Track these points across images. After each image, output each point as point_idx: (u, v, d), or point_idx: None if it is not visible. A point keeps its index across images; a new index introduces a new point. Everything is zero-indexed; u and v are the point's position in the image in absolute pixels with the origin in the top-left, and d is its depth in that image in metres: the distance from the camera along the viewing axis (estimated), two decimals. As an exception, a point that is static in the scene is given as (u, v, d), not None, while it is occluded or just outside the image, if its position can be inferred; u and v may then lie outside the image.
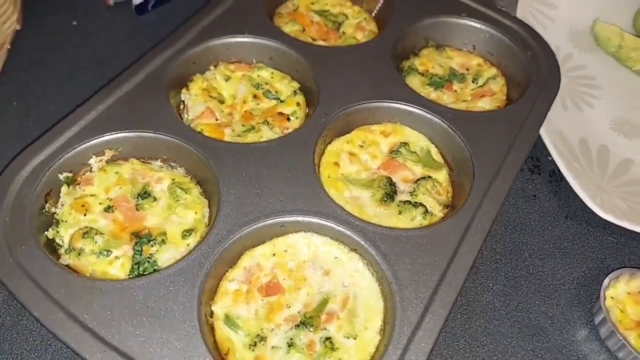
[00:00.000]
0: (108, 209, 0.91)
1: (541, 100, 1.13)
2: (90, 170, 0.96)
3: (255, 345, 0.80)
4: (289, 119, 1.09)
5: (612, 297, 0.96)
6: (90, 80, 1.27)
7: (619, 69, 1.43)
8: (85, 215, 0.89)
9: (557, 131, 1.21)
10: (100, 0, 1.46)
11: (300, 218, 0.90)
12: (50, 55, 1.34)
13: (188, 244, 0.88)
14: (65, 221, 0.88)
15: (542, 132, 1.18)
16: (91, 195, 0.92)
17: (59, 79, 1.29)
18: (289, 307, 0.85)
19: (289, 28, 1.27)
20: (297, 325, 0.83)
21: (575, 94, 1.34)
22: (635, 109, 1.35)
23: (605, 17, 1.50)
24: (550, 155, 1.16)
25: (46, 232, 0.87)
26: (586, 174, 1.15)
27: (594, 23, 1.48)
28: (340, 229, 0.89)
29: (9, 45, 1.30)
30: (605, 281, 0.96)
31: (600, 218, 1.07)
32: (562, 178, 1.13)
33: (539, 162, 1.24)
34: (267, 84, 1.15)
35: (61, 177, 0.92)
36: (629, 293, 0.97)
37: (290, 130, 1.07)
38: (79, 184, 0.93)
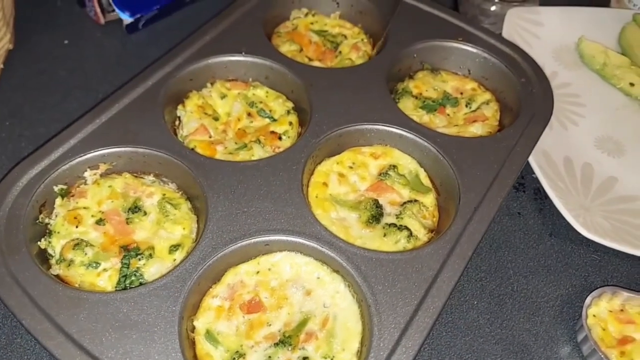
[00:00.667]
0: (100, 221, 0.94)
1: (531, 128, 1.14)
2: (85, 183, 0.99)
3: (234, 360, 0.83)
4: (280, 138, 1.11)
5: (594, 315, 0.97)
6: (81, 99, 1.30)
7: (604, 86, 1.44)
8: (77, 227, 0.92)
9: (542, 150, 1.23)
10: (91, 19, 1.48)
11: (284, 237, 0.92)
12: (43, 75, 1.35)
13: (175, 259, 0.91)
14: (58, 232, 0.91)
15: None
16: (84, 207, 0.95)
17: (51, 98, 1.31)
18: (270, 325, 0.87)
19: (287, 48, 1.29)
20: (276, 344, 0.85)
21: (560, 112, 1.36)
22: (619, 126, 1.36)
23: (590, 34, 1.51)
24: (535, 173, 1.18)
25: (39, 242, 0.90)
26: (570, 192, 1.17)
27: (579, 40, 1.50)
28: (324, 249, 0.91)
29: (2, 64, 1.32)
30: (588, 299, 0.97)
31: (584, 236, 1.08)
32: (546, 196, 1.15)
33: (524, 180, 1.26)
34: (261, 102, 1.18)
35: (56, 189, 0.95)
36: (610, 311, 0.98)
37: (281, 149, 1.09)
38: (73, 196, 0.96)
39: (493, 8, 1.50)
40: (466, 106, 1.27)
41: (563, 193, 1.15)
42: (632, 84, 1.42)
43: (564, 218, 1.10)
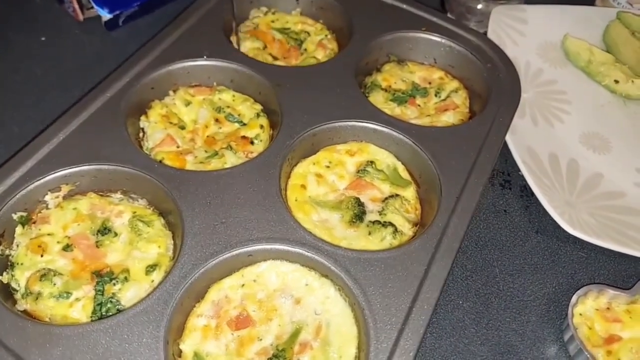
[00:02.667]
0: (67, 247, 0.87)
1: (503, 112, 1.14)
2: (47, 208, 0.92)
3: (227, 382, 0.78)
4: (252, 143, 1.07)
5: (580, 314, 0.96)
6: (58, 98, 1.24)
7: (589, 83, 1.46)
8: (42, 256, 0.85)
9: (527, 146, 1.22)
10: (70, 16, 1.43)
11: (268, 246, 0.88)
12: (18, 73, 1.30)
13: (152, 280, 0.85)
14: (21, 263, 0.84)
15: (512, 147, 1.18)
16: (48, 234, 0.88)
17: (26, 97, 1.25)
18: (261, 339, 0.83)
19: (250, 45, 1.25)
20: (270, 359, 0.81)
21: (546, 109, 1.36)
22: (604, 123, 1.37)
23: (575, 32, 1.52)
24: (520, 170, 1.17)
25: (0, 277, 0.83)
26: (555, 189, 1.16)
27: (564, 38, 1.51)
28: (310, 254, 0.87)
29: None
30: (573, 298, 0.96)
31: (570, 233, 1.07)
32: (532, 193, 1.13)
33: (510, 177, 1.25)
34: (228, 107, 1.13)
35: (15, 216, 0.88)
36: (597, 310, 0.97)
37: (254, 154, 1.05)
38: (34, 222, 0.89)
39: (479, 6, 1.50)
40: (435, 95, 1.26)
41: (548, 190, 1.14)
42: (616, 81, 1.43)
43: (550, 216, 1.09)
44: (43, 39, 1.38)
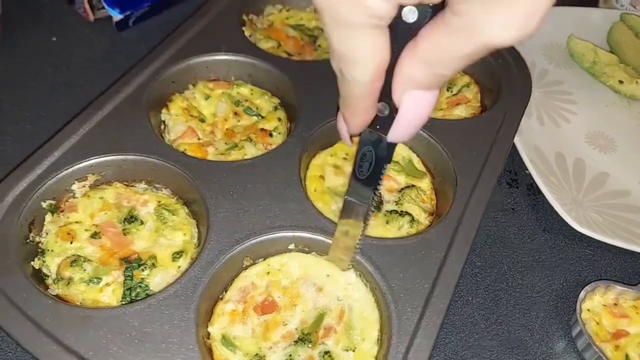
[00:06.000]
0: (95, 235, 0.89)
1: (514, 105, 1.16)
2: (74, 197, 0.94)
3: (254, 364, 0.80)
4: (271, 135, 1.09)
5: (588, 310, 0.97)
6: (68, 96, 1.26)
7: (594, 84, 1.48)
8: (71, 243, 0.87)
9: (534, 146, 1.25)
10: (81, 16, 1.44)
11: (290, 233, 0.90)
12: (30, 72, 1.31)
13: (179, 266, 0.88)
14: (52, 250, 0.86)
15: (519, 146, 1.21)
16: (76, 222, 0.90)
17: (38, 95, 1.26)
18: (286, 324, 0.85)
19: (264, 45, 1.27)
20: (295, 342, 0.83)
21: (552, 109, 1.39)
22: (609, 123, 1.40)
23: (580, 33, 1.54)
24: (527, 169, 1.19)
25: (32, 262, 0.85)
26: (562, 187, 1.19)
27: (569, 39, 1.53)
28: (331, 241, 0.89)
29: None
30: (582, 294, 0.97)
31: (577, 231, 1.09)
32: (539, 191, 1.15)
33: (517, 176, 1.27)
34: (247, 100, 1.15)
35: (44, 205, 0.90)
36: (604, 305, 0.98)
37: (273, 146, 1.07)
38: (62, 211, 0.91)
39: None
40: (447, 90, 1.28)
41: (556, 188, 1.16)
42: (621, 82, 1.45)
43: (557, 213, 1.11)
44: (54, 39, 1.39)
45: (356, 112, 0.58)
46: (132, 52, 1.33)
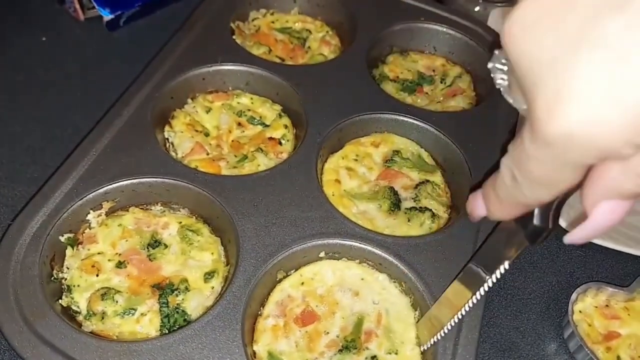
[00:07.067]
0: (119, 264, 0.86)
1: (511, 93, 1.19)
2: (90, 227, 0.90)
3: (304, 377, 0.80)
4: (280, 143, 1.08)
5: (580, 311, 0.97)
6: (60, 97, 1.22)
7: None
8: (97, 275, 0.84)
9: None
10: (71, 16, 1.40)
11: (321, 242, 0.89)
12: (19, 72, 1.27)
13: (212, 287, 0.86)
14: (78, 285, 0.83)
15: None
16: (98, 253, 0.87)
17: (28, 97, 1.22)
18: (327, 333, 0.85)
19: (255, 51, 1.25)
20: (340, 350, 0.83)
21: None
22: None
23: None
24: None
25: (60, 301, 0.81)
26: None
27: None
28: (363, 245, 0.89)
29: None
30: (573, 295, 0.95)
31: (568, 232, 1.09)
32: None
33: None
34: (249, 110, 1.13)
35: (62, 239, 0.86)
36: (596, 307, 0.97)
37: (284, 154, 1.06)
38: (81, 243, 0.88)
39: (477, 8, 1.52)
40: (441, 82, 1.30)
41: None
42: None
43: None
44: (44, 39, 1.35)
45: (507, 213, 0.53)
46: (123, 52, 1.32)
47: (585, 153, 0.40)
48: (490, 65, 0.52)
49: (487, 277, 0.66)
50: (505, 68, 0.51)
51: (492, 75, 0.52)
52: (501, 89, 0.52)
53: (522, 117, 0.45)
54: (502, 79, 0.52)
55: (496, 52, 0.51)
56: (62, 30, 1.38)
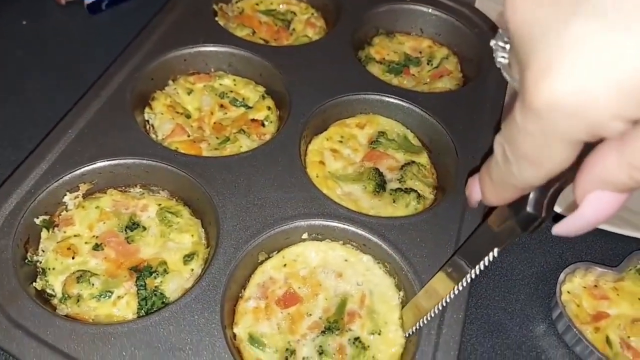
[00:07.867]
0: (96, 247, 0.84)
1: (498, 74, 1.17)
2: (67, 209, 0.88)
3: (286, 359, 0.78)
4: (263, 125, 1.06)
5: (568, 292, 0.96)
6: (40, 80, 1.21)
7: None
8: (73, 258, 0.82)
9: None
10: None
11: (304, 222, 0.88)
12: None
13: (192, 269, 0.84)
14: (53, 268, 0.80)
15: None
16: (75, 235, 0.84)
17: (8, 80, 1.21)
18: (310, 314, 0.83)
19: (239, 33, 1.23)
20: (323, 332, 0.81)
21: None
22: None
23: None
24: None
25: (34, 284, 0.79)
26: None
27: None
28: (347, 226, 0.88)
29: None
30: (561, 276, 0.94)
31: (558, 213, 1.04)
32: None
33: None
34: (231, 91, 1.11)
35: (37, 221, 0.84)
36: (584, 287, 0.96)
37: (267, 135, 1.04)
38: (57, 225, 0.85)
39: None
40: (428, 64, 1.28)
41: None
42: None
43: None
44: (24, 22, 1.33)
45: (501, 197, 0.53)
46: (105, 36, 1.31)
47: (572, 126, 0.39)
48: (492, 42, 0.52)
49: (471, 269, 0.65)
50: (507, 47, 0.51)
51: (493, 53, 0.52)
52: (501, 67, 0.52)
53: (516, 94, 0.44)
54: (502, 57, 0.52)
55: (500, 30, 0.52)
56: (43, 14, 1.36)
